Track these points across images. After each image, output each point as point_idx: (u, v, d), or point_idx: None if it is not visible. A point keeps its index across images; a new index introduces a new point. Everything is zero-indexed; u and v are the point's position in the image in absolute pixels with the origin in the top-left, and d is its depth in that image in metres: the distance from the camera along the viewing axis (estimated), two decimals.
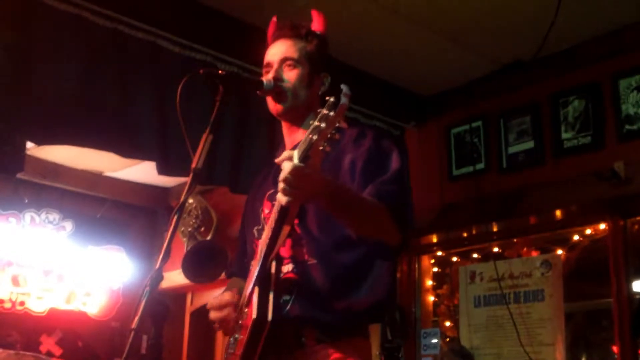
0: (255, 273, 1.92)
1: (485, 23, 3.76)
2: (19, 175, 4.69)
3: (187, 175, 1.91)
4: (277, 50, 2.12)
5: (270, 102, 2.11)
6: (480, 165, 4.34)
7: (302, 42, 2.13)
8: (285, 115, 2.12)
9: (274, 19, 2.23)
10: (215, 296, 2.15)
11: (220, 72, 2.05)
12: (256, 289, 1.89)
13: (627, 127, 3.71)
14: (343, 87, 1.57)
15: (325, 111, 1.57)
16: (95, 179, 5.78)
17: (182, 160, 3.21)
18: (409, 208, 2.00)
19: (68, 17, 3.08)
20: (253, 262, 2.04)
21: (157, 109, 3.29)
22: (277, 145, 3.56)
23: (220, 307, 2.09)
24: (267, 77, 2.09)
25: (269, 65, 2.12)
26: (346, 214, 1.85)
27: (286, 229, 1.86)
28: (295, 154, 1.65)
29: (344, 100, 1.56)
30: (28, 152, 3.84)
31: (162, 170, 3.35)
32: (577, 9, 3.56)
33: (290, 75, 2.09)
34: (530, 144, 4.11)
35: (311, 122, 1.60)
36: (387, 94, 4.46)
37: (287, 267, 1.98)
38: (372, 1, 3.54)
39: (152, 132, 3.29)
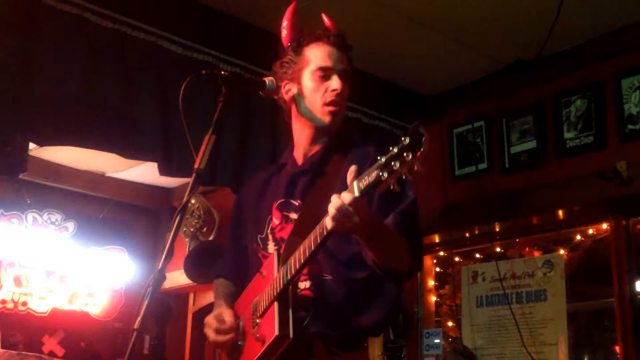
0: (277, 289, 1.90)
1: (487, 23, 3.76)
2: (21, 176, 4.69)
3: (189, 176, 1.92)
4: (337, 58, 2.07)
5: (324, 112, 2.05)
6: (483, 165, 4.33)
7: (348, 55, 2.10)
8: (329, 129, 2.08)
9: (294, 4, 2.20)
10: (215, 314, 2.12)
11: (222, 72, 2.05)
12: (275, 305, 1.89)
13: (630, 126, 3.71)
14: (423, 131, 1.50)
15: (396, 151, 1.51)
16: (97, 179, 5.78)
17: (185, 161, 3.22)
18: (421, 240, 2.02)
19: (70, 18, 3.08)
20: (265, 272, 2.03)
21: (160, 109, 3.29)
22: (280, 145, 3.59)
23: (221, 331, 2.07)
24: (329, 86, 2.03)
25: (328, 70, 2.05)
26: (377, 246, 1.84)
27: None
28: (356, 187, 1.61)
29: (425, 147, 1.49)
30: (30, 153, 3.84)
31: (164, 171, 3.35)
32: (579, 9, 3.56)
33: (346, 91, 2.07)
34: (532, 144, 4.11)
35: (379, 157, 1.54)
36: (389, 94, 4.46)
37: (305, 284, 1.98)
38: (375, 2, 3.54)
39: (155, 133, 3.29)
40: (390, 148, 1.53)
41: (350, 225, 1.69)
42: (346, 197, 1.64)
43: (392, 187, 1.55)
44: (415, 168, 1.51)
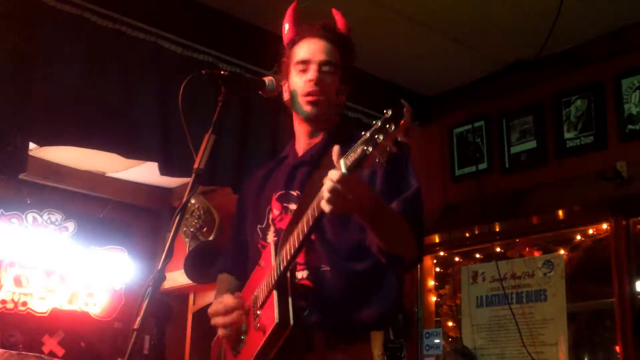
0: (275, 277, 1.90)
1: (487, 23, 3.76)
2: (21, 176, 4.70)
3: (189, 175, 1.92)
4: (318, 50, 2.07)
5: (303, 103, 2.06)
6: (483, 165, 4.34)
7: (339, 48, 2.10)
8: (315, 119, 2.08)
9: (295, 4, 2.20)
10: (217, 301, 2.11)
11: (222, 72, 2.06)
12: (274, 293, 1.88)
13: (630, 126, 3.71)
14: (404, 102, 1.53)
15: (380, 124, 1.53)
16: (97, 179, 5.79)
17: (185, 160, 3.22)
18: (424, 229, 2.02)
19: (70, 18, 3.09)
20: (263, 263, 2.03)
21: (159, 109, 3.29)
22: (279, 145, 3.59)
23: (226, 312, 2.05)
24: (306, 77, 2.04)
25: (307, 62, 2.07)
26: (381, 229, 1.83)
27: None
28: (342, 164, 1.61)
29: (406, 115, 1.51)
30: (30, 153, 3.84)
31: (164, 170, 3.36)
32: (579, 9, 3.56)
33: (329, 81, 2.06)
34: (532, 144, 4.11)
35: (364, 132, 1.55)
36: (389, 94, 4.45)
37: (302, 274, 1.97)
38: (375, 2, 3.54)
39: (155, 133, 3.29)
40: (374, 122, 1.55)
41: (346, 205, 1.67)
42: (334, 174, 1.63)
43: (377, 160, 1.55)
44: (399, 139, 1.52)
